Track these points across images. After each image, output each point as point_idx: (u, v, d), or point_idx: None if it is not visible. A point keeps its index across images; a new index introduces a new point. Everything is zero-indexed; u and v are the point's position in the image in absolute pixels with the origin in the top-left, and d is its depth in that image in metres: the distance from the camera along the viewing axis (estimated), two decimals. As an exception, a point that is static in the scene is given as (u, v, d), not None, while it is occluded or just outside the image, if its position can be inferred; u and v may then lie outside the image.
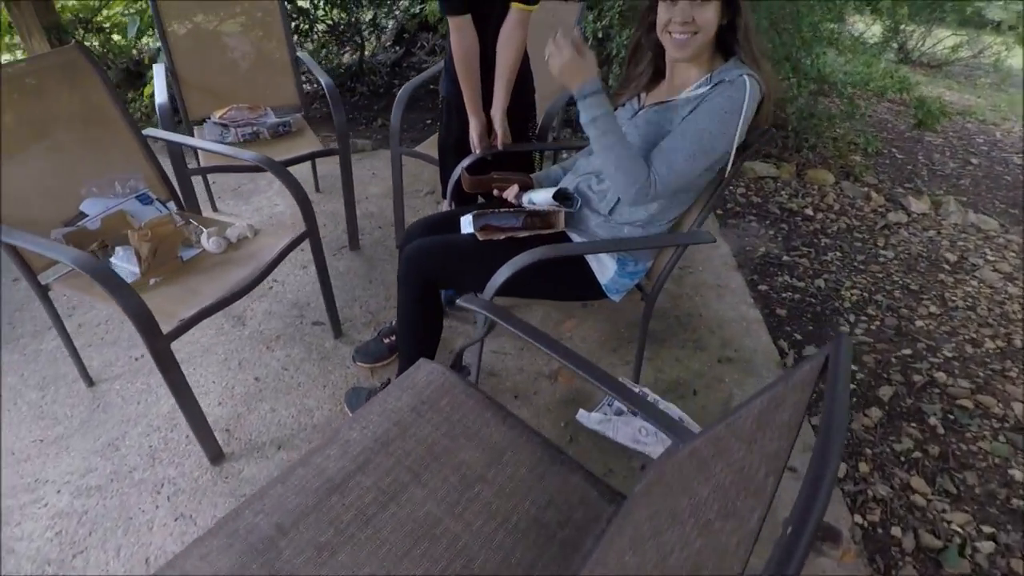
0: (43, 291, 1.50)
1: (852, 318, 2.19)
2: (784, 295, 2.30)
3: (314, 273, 2.30)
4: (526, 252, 1.30)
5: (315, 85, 3.91)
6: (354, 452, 1.06)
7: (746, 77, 1.23)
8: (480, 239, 1.39)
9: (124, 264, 1.45)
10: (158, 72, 2.11)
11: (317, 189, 2.79)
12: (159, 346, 1.30)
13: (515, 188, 1.56)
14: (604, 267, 1.47)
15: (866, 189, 3.05)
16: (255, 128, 2.21)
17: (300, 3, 3.48)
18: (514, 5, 1.62)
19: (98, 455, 1.59)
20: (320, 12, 3.56)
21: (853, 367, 1.96)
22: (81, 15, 3.04)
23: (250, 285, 1.52)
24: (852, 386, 1.91)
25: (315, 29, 3.58)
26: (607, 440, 1.59)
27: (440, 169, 1.95)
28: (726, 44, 1.31)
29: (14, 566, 1.34)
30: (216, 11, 2.26)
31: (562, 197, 1.47)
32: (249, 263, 1.57)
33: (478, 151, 1.73)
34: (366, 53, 3.81)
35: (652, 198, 1.29)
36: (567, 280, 1.48)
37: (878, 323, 2.16)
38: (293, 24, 3.50)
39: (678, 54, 1.30)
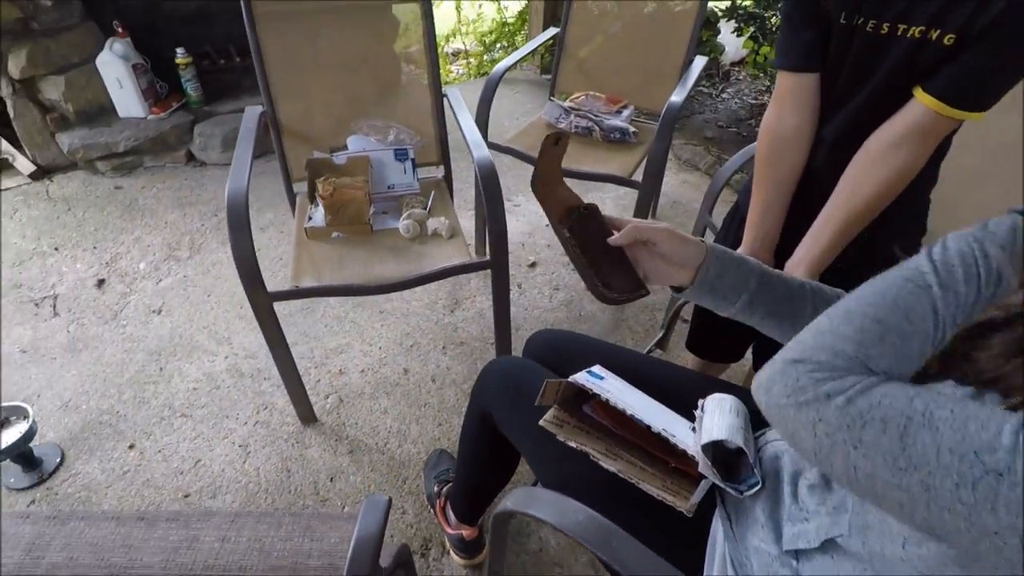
0: (292, 198, 1.65)
1: None
2: None
3: (560, 298, 1.97)
4: (583, 510, 0.69)
5: (739, 102, 3.23)
6: None
7: None
8: (541, 423, 0.81)
9: (321, 208, 1.44)
10: (539, 38, 1.99)
11: (653, 214, 2.33)
12: (259, 301, 1.26)
13: None
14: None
15: None
16: (590, 124, 1.89)
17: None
18: (921, 96, 0.79)
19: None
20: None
21: None
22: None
23: (387, 287, 1.32)
24: None
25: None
26: None
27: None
28: None
29: (164, 390, 1.62)
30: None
31: (723, 462, 0.72)
32: (411, 264, 1.37)
33: None
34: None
35: (792, 418, 0.49)
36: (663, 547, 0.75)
37: None
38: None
39: None
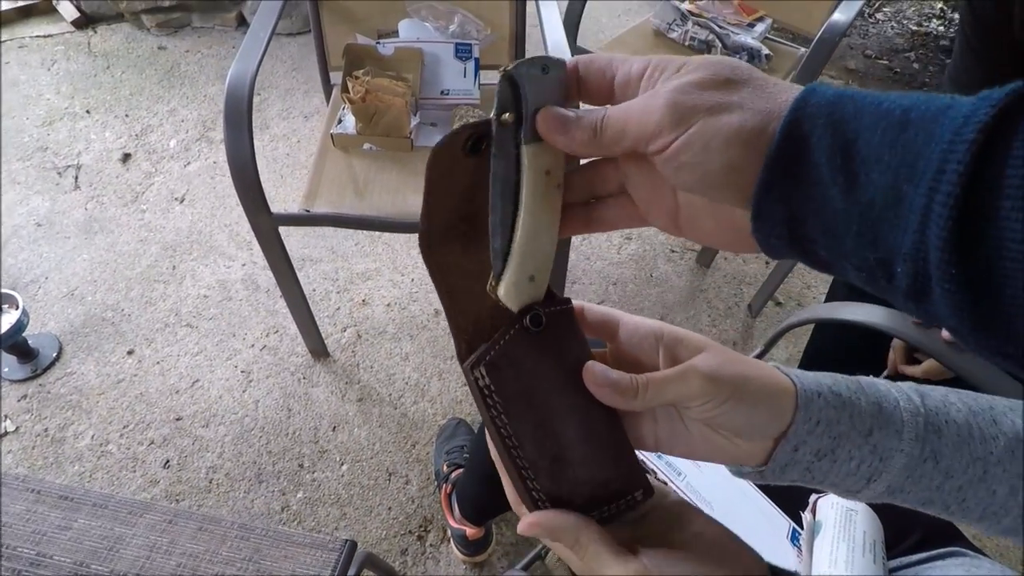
0: (329, 88, 1.36)
1: None
2: None
3: (631, 251, 1.65)
4: None
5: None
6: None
7: None
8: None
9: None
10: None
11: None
12: (260, 222, 1.02)
13: None
14: None
15: None
16: (710, 37, 1.47)
17: None
18: None
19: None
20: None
21: None
22: None
23: (411, 226, 1.05)
24: None
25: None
26: None
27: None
28: None
29: (173, 292, 1.47)
30: None
31: None
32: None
33: None
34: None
35: None
36: None
37: None
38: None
39: None
